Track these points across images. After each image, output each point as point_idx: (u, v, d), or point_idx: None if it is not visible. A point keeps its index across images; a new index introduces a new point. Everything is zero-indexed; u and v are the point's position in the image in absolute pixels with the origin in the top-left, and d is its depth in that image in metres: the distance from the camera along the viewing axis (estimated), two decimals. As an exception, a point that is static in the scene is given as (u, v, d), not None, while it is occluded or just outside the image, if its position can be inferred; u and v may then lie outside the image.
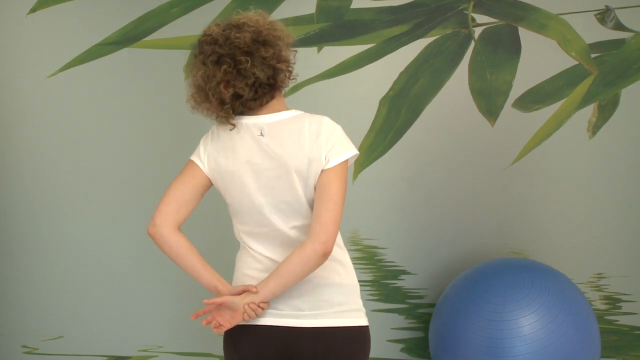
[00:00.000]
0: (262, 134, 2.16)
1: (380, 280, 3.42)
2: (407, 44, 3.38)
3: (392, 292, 3.43)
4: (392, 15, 3.37)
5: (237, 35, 2.11)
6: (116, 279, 3.36)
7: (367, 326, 2.23)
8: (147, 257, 3.35)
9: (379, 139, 3.37)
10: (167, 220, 2.18)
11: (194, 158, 2.24)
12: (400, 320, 3.44)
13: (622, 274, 3.45)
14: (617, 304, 3.46)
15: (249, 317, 2.14)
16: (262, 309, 2.15)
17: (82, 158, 3.34)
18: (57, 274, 3.35)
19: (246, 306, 2.13)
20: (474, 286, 3.00)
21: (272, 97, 2.19)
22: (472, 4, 3.38)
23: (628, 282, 3.45)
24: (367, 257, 3.42)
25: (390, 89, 3.39)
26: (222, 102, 2.14)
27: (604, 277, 3.45)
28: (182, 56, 3.30)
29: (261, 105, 2.18)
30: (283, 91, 2.23)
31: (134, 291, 3.36)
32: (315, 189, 2.14)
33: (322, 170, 2.12)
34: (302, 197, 2.15)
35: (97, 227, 3.35)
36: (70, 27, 3.32)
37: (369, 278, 3.41)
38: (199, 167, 2.22)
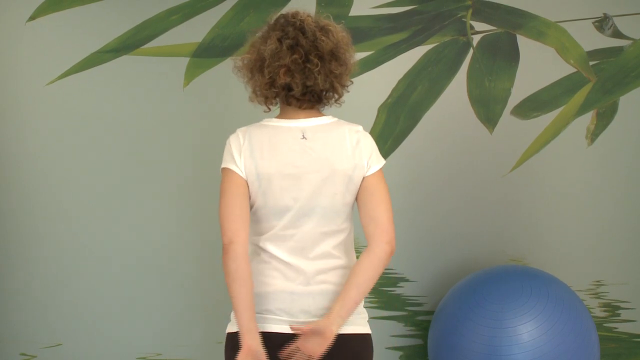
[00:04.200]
0: (304, 137, 2.18)
1: (379, 288, 3.41)
2: (405, 52, 3.38)
3: (391, 300, 3.42)
4: (390, 22, 3.38)
5: (323, 38, 2.14)
6: (115, 287, 3.35)
7: (370, 334, 2.24)
8: (146, 265, 3.34)
9: (378, 146, 3.29)
10: (241, 237, 2.12)
11: (229, 166, 2.18)
12: (399, 328, 3.43)
13: (621, 281, 3.45)
14: (616, 312, 3.45)
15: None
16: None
17: (80, 165, 3.33)
18: (56, 282, 3.34)
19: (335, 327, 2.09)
20: (472, 293, 3.00)
21: (312, 108, 2.22)
22: (470, 11, 3.39)
23: (627, 290, 3.45)
24: (365, 265, 3.41)
25: (389, 96, 3.39)
26: (272, 84, 2.17)
27: (603, 285, 3.45)
28: (181, 63, 3.34)
29: (299, 108, 2.21)
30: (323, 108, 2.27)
31: (133, 299, 3.35)
32: (356, 195, 2.20)
33: (364, 177, 2.19)
34: (339, 202, 2.17)
35: (96, 234, 3.34)
36: (70, 35, 3.31)
37: (368, 285, 3.40)
38: (238, 174, 2.17)
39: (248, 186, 2.17)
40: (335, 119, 2.25)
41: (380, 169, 2.22)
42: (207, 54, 3.33)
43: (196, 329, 3.37)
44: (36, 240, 3.34)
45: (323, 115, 2.25)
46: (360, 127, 2.25)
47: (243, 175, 2.16)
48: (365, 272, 2.15)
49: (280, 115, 2.25)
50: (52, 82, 3.32)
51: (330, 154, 2.17)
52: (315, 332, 2.07)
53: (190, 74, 3.34)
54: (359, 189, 2.21)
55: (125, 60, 3.33)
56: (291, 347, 2.09)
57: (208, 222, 3.34)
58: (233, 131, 2.26)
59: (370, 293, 3.40)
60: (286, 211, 2.16)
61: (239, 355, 2.07)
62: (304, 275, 2.17)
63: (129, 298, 3.36)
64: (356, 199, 2.23)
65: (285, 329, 2.15)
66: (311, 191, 2.15)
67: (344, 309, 2.12)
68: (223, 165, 2.20)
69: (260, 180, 2.16)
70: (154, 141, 3.35)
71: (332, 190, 2.16)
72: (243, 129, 2.24)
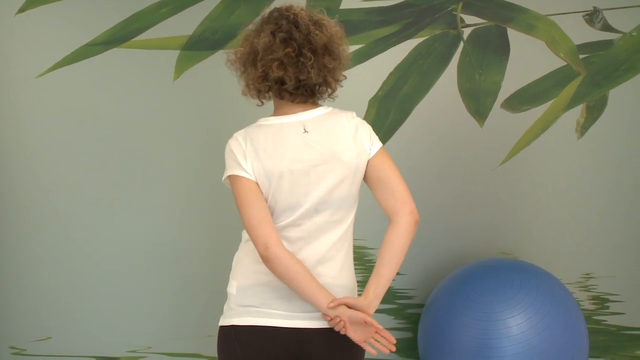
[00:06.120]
0: (306, 131, 2.17)
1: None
2: (396, 45, 3.38)
3: (381, 293, 3.43)
4: (381, 15, 3.37)
5: (316, 32, 2.15)
6: (105, 280, 3.35)
7: None
8: (137, 258, 3.34)
9: (368, 140, 3.36)
10: (274, 239, 2.12)
11: (237, 172, 2.17)
12: (389, 321, 3.44)
13: (610, 274, 3.46)
14: (605, 304, 3.47)
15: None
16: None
17: (71, 158, 3.32)
18: (46, 275, 3.34)
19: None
20: (462, 286, 3.01)
21: (305, 102, 2.22)
22: (460, 5, 3.39)
23: (616, 282, 3.46)
24: (355, 258, 3.39)
25: (380, 90, 3.39)
26: (265, 78, 2.16)
27: (592, 277, 3.46)
28: (172, 56, 3.33)
29: (292, 102, 2.20)
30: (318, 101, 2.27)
31: (123, 292, 3.35)
32: (364, 178, 2.23)
33: (368, 160, 2.21)
34: (348, 191, 2.19)
35: (87, 228, 3.33)
36: (59, 27, 3.30)
37: (358, 278, 3.36)
38: (247, 178, 2.16)
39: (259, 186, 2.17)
40: (330, 108, 2.26)
41: (382, 146, 2.25)
42: (197, 46, 3.32)
43: (187, 323, 3.37)
44: (26, 235, 3.33)
45: (319, 105, 2.25)
46: (354, 113, 2.28)
47: (252, 178, 2.15)
48: (393, 246, 2.16)
49: (277, 112, 2.24)
50: (42, 74, 3.30)
51: (333, 146, 2.17)
52: (353, 308, 2.11)
53: (181, 66, 3.33)
54: (367, 171, 2.23)
55: (115, 52, 3.32)
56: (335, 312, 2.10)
57: (199, 216, 3.34)
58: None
59: (360, 286, 3.42)
60: (297, 207, 2.16)
61: (348, 332, 2.10)
62: None
63: (118, 292, 3.35)
64: (367, 181, 2.24)
65: (281, 322, 2.16)
66: (321, 183, 2.16)
67: (379, 287, 2.15)
68: (230, 173, 2.18)
69: (270, 180, 2.15)
70: (144, 134, 3.34)
71: (340, 179, 2.18)
72: (241, 132, 2.22)
